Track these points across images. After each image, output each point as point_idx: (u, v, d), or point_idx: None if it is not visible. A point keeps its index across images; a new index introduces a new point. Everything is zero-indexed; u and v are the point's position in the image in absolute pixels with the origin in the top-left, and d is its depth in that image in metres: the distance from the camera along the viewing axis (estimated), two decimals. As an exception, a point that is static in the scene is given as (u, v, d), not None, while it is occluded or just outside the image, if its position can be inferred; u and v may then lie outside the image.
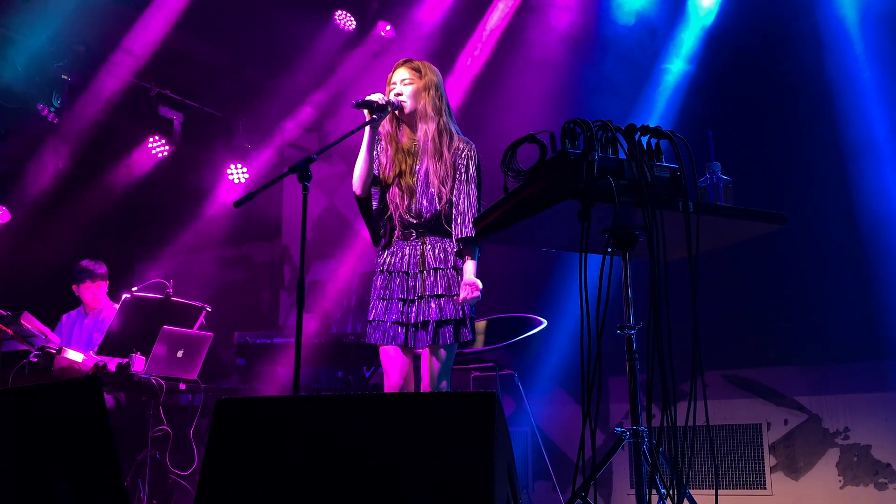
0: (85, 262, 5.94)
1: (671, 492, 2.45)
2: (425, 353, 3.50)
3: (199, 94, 7.63)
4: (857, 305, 5.42)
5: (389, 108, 3.53)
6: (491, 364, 5.59)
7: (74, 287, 5.97)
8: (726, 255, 5.68)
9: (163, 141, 7.46)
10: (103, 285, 5.97)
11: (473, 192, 3.55)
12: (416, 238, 3.55)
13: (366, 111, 3.50)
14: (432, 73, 3.65)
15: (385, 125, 3.64)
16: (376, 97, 3.51)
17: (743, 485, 5.59)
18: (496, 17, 6.95)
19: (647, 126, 2.64)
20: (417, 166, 3.56)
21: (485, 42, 7.01)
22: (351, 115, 3.58)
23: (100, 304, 5.96)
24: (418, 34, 7.15)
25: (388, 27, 7.41)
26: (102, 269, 5.97)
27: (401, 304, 3.47)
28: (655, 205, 2.54)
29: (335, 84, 7.70)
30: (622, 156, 2.58)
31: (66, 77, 6.58)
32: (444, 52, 6.95)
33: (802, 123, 5.67)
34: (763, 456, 5.58)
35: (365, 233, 3.83)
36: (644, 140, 2.63)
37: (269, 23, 7.12)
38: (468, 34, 7.05)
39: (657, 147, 2.66)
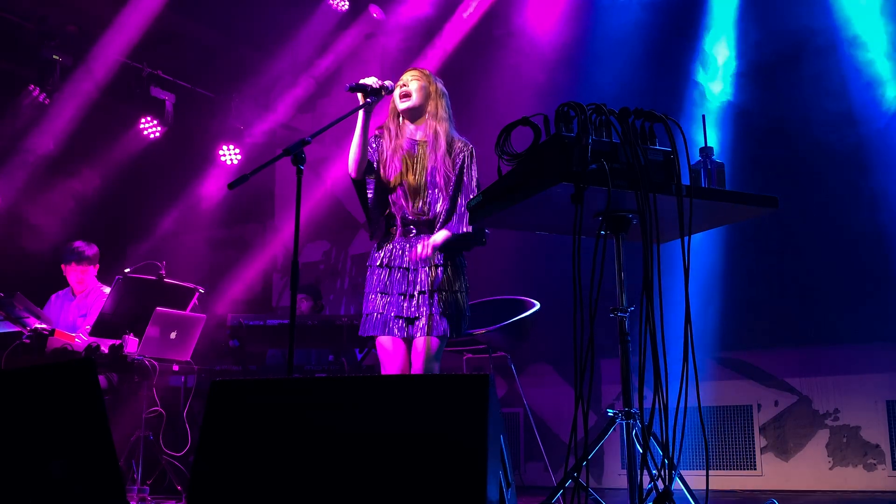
0: (77, 243, 5.77)
1: (662, 472, 2.48)
2: (418, 338, 3.52)
3: (192, 74, 7.58)
4: (849, 289, 5.45)
5: (383, 92, 3.56)
6: (484, 346, 5.61)
7: (63, 266, 5.82)
8: (718, 239, 5.70)
9: (155, 122, 7.42)
10: (90, 269, 5.81)
11: (474, 192, 3.57)
12: (416, 235, 3.57)
13: (359, 95, 3.52)
14: (441, 84, 3.73)
15: (388, 123, 3.68)
16: (370, 80, 3.53)
17: (733, 465, 5.64)
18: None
19: (641, 109, 2.64)
20: (428, 166, 3.58)
21: (473, 23, 6.99)
22: (345, 95, 3.58)
23: (86, 287, 5.82)
24: (410, 15, 7.12)
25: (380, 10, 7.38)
26: (93, 251, 5.80)
27: (401, 298, 3.50)
28: (648, 188, 2.54)
29: (328, 65, 7.67)
30: (616, 139, 2.59)
31: (57, 57, 6.53)
32: (436, 34, 6.93)
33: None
34: (754, 437, 5.62)
35: (357, 215, 3.84)
36: (638, 123, 2.63)
37: (263, 3, 7.08)
38: (459, 16, 7.02)
39: (651, 130, 2.67)
